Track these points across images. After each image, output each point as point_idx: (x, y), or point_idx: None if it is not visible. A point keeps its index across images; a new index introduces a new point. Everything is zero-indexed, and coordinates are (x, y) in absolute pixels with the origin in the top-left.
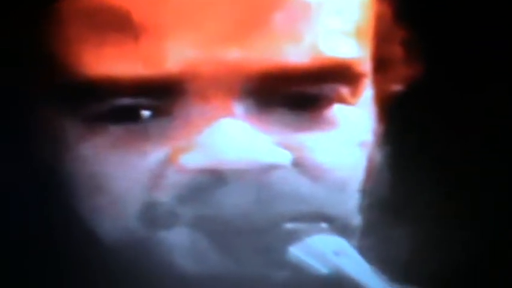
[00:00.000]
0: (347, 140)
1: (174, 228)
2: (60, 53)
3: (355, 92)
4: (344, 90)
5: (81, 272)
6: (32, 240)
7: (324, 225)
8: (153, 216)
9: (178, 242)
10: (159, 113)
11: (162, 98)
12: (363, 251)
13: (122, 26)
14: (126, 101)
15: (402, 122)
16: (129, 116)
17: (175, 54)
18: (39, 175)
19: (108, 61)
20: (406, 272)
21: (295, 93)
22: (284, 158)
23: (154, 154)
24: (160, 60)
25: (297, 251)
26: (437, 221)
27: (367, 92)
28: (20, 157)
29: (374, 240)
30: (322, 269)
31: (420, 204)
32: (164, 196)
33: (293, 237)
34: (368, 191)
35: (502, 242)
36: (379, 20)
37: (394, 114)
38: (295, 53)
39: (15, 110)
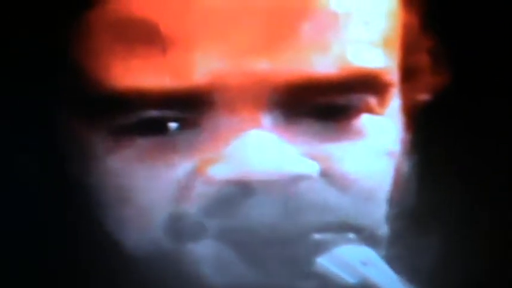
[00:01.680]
0: (374, 149)
1: (200, 240)
2: (88, 65)
3: (382, 102)
4: (372, 100)
5: (107, 284)
6: (58, 252)
7: (351, 235)
8: (180, 228)
9: (205, 253)
10: (186, 125)
11: (189, 110)
12: (390, 261)
13: (149, 38)
14: (153, 113)
15: (429, 132)
16: (157, 128)
17: (202, 66)
18: (66, 187)
19: (136, 73)
20: (433, 281)
21: (322, 104)
22: (311, 168)
23: (182, 166)
24: (188, 72)
25: (324, 262)
26: (465, 230)
27: (394, 102)
28: (47, 169)
29: (401, 250)
30: (349, 279)
31: (447, 214)
32: (191, 208)
33: (320, 247)
34: (395, 200)
35: None
36: (406, 29)
37: (421, 123)
38: (323, 63)
39: (43, 122)
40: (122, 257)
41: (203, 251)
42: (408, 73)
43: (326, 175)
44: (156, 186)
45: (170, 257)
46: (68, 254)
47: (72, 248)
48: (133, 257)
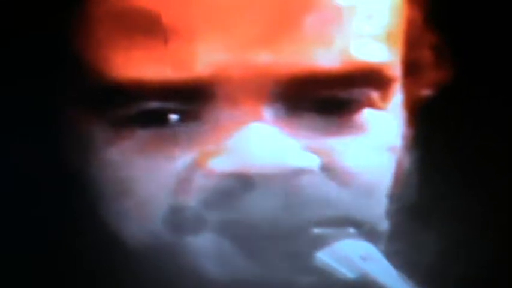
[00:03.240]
0: (376, 144)
1: (200, 233)
2: (89, 56)
3: (385, 97)
4: (374, 95)
5: (105, 276)
6: (56, 243)
7: (351, 230)
8: (180, 220)
9: (204, 246)
10: (187, 117)
11: (190, 102)
12: (390, 256)
13: (151, 29)
14: (154, 104)
15: (431, 127)
16: (158, 120)
17: (204, 58)
18: (65, 178)
19: (137, 64)
20: (434, 277)
21: (324, 98)
22: (312, 162)
23: (182, 158)
24: (190, 64)
25: (324, 256)
26: (466, 225)
27: (397, 97)
28: (46, 160)
29: (401, 245)
30: (349, 274)
31: (448, 209)
32: (191, 200)
33: (320, 242)
34: (396, 195)
35: None
36: (410, 24)
37: (423, 118)
38: (326, 57)
39: (43, 112)
40: (121, 249)
41: (202, 244)
42: (411, 68)
43: (327, 169)
44: (156, 178)
45: (169, 250)
46: (67, 245)
47: (71, 240)
48: (133, 249)
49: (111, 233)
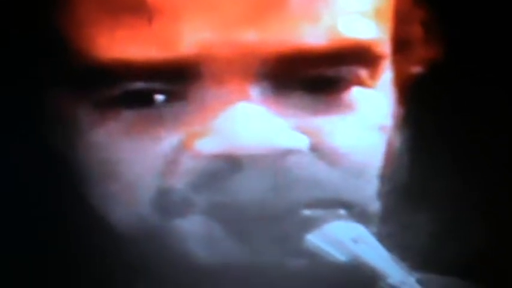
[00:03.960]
0: (366, 123)
1: (188, 216)
2: (72, 36)
3: (374, 74)
4: (363, 73)
5: (92, 260)
6: (42, 227)
7: (342, 211)
8: (167, 203)
9: (193, 229)
10: (173, 97)
11: (176, 81)
12: (382, 238)
13: (135, 7)
14: (139, 85)
15: (422, 105)
16: (143, 100)
17: (190, 37)
18: (50, 161)
19: (121, 44)
20: (426, 259)
21: (312, 76)
22: (301, 142)
23: (169, 139)
24: (175, 43)
25: (314, 239)
26: (458, 206)
27: (386, 74)
28: (30, 143)
29: (393, 227)
30: (340, 256)
31: (440, 190)
32: (178, 183)
33: (310, 224)
34: (387, 176)
35: None
36: (399, 0)
37: (413, 97)
38: (313, 34)
39: (25, 94)
40: (108, 233)
41: (191, 227)
42: (400, 45)
43: (316, 149)
44: (142, 160)
45: (157, 233)
46: (53, 230)
47: (57, 225)
48: (120, 232)
49: (98, 217)
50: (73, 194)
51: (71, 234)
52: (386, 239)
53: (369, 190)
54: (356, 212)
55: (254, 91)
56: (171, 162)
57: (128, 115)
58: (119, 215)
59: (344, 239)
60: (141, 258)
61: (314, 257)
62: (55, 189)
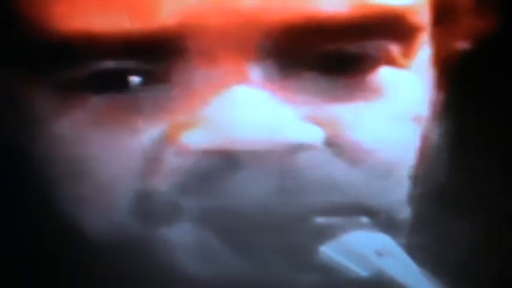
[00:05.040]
0: (396, 112)
1: (175, 224)
2: (26, 5)
3: (407, 51)
4: (393, 49)
5: (61, 274)
6: (2, 237)
7: (364, 219)
8: (149, 208)
9: (181, 239)
10: (152, 79)
11: (155, 60)
12: (412, 250)
13: None
14: (109, 64)
15: (468, 90)
16: (114, 83)
17: (171, 3)
18: (6, 158)
19: (86, 13)
20: (463, 275)
21: (329, 53)
22: (314, 135)
23: (148, 131)
24: (153, 11)
25: (329, 251)
26: (502, 214)
27: (423, 52)
28: None
29: (425, 237)
30: (361, 271)
31: (484, 195)
32: (162, 184)
33: (325, 233)
34: (421, 177)
35: None
36: None
37: (458, 80)
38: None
39: None
40: (80, 242)
41: (178, 237)
42: (443, 14)
43: (333, 144)
44: (117, 157)
45: (138, 243)
46: (12, 238)
47: (17, 232)
48: (93, 242)
49: (67, 224)
50: (36, 196)
51: (34, 244)
52: (417, 252)
53: (397, 194)
54: (381, 220)
55: (254, 72)
56: (152, 160)
57: (97, 101)
58: (91, 222)
59: (366, 251)
60: (119, 272)
61: (329, 272)
62: (16, 192)
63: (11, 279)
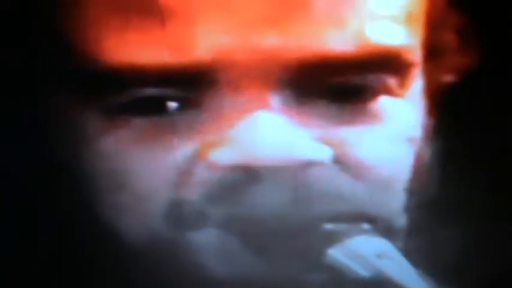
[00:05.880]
0: (393, 134)
1: (202, 229)
2: (80, 38)
3: (403, 83)
4: (391, 81)
5: (102, 275)
6: (48, 240)
7: (366, 226)
8: (180, 216)
9: (208, 243)
10: (187, 104)
11: (190, 88)
12: (409, 254)
13: (146, 8)
14: (151, 91)
15: (454, 116)
16: (155, 107)
17: (205, 41)
18: (56, 171)
19: (132, 47)
20: (456, 276)
21: (337, 84)
22: (324, 154)
23: (182, 149)
24: (189, 47)
25: (336, 254)
26: (489, 222)
27: (416, 83)
28: (36, 151)
29: (421, 242)
30: (363, 272)
31: (471, 204)
32: (192, 194)
33: (332, 238)
34: (415, 190)
35: None
36: (431, 4)
37: (445, 107)
38: (339, 39)
39: (31, 100)
40: (118, 247)
41: (206, 241)
42: (432, 52)
43: (340, 161)
44: (154, 171)
45: (170, 247)
46: (62, 243)
47: (65, 238)
48: (131, 246)
49: (108, 230)
50: (81, 206)
51: (79, 248)
52: (413, 255)
53: (395, 204)
54: (381, 227)
55: (274, 99)
56: (184, 173)
57: (139, 123)
58: (129, 228)
59: (368, 254)
60: (154, 273)
61: (336, 272)
62: (62, 201)
63: (55, 282)
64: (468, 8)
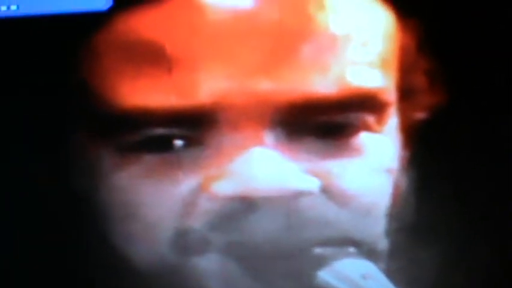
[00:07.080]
0: (373, 166)
1: (206, 255)
2: (97, 85)
3: (380, 120)
4: (370, 119)
5: None
6: (66, 266)
7: (351, 249)
8: (186, 243)
9: (210, 267)
10: (191, 142)
11: (194, 128)
12: (390, 274)
13: (156, 58)
14: (159, 131)
15: (426, 149)
16: (163, 145)
17: (207, 86)
18: (73, 203)
19: (143, 92)
20: None
21: (322, 122)
22: (312, 184)
23: (187, 182)
24: (193, 92)
25: (325, 275)
26: (462, 242)
27: (392, 120)
28: (55, 185)
29: (401, 263)
30: None
31: (445, 228)
32: (196, 223)
33: (321, 261)
34: (394, 215)
35: None
36: (403, 51)
37: (418, 141)
38: (323, 83)
39: (51, 139)
40: (129, 272)
41: (208, 265)
42: (405, 93)
43: (326, 191)
44: (162, 202)
45: (176, 272)
46: (76, 268)
47: (79, 263)
48: (141, 271)
49: (119, 256)
50: (95, 233)
51: (92, 272)
52: (395, 274)
53: (377, 229)
54: (365, 250)
55: (268, 137)
56: (189, 204)
57: (148, 159)
58: (139, 254)
59: (354, 275)
60: None
61: None
62: (78, 229)
63: None
64: (436, 53)
